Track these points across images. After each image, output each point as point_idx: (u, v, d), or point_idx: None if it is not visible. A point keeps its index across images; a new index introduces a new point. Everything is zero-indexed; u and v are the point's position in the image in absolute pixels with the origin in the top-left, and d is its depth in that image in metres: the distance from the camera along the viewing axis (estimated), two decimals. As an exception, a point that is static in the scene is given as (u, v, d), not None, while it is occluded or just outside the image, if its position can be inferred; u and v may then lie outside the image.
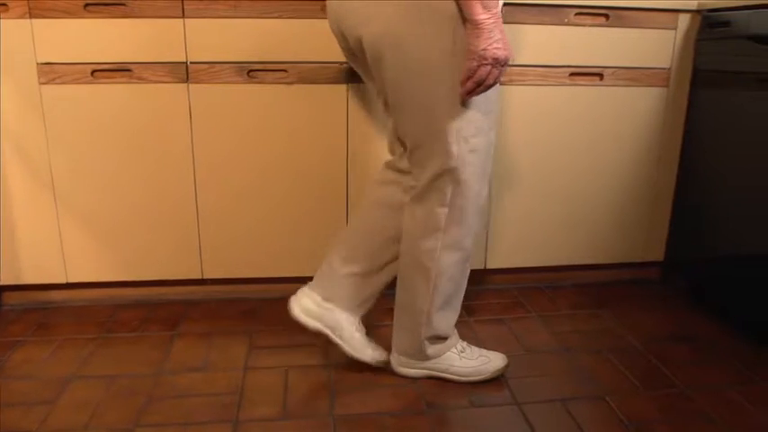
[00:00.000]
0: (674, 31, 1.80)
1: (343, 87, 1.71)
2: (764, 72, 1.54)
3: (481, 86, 1.15)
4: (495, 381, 1.44)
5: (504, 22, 1.70)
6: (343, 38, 1.31)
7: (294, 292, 1.88)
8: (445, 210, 1.29)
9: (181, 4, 1.60)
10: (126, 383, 1.42)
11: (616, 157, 1.88)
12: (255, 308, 1.82)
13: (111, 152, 1.69)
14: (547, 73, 1.77)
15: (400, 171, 1.39)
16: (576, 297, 1.88)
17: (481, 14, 1.08)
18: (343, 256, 1.43)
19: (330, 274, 1.43)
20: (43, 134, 1.66)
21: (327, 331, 1.42)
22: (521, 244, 1.91)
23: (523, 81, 1.77)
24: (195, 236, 1.78)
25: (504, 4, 1.68)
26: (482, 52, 1.11)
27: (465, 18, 1.11)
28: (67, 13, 1.58)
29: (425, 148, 1.27)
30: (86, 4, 1.58)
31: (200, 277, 1.82)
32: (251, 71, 1.68)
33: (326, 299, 1.43)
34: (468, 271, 1.40)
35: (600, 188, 1.90)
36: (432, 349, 1.41)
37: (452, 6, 1.13)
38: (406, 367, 1.45)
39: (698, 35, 1.78)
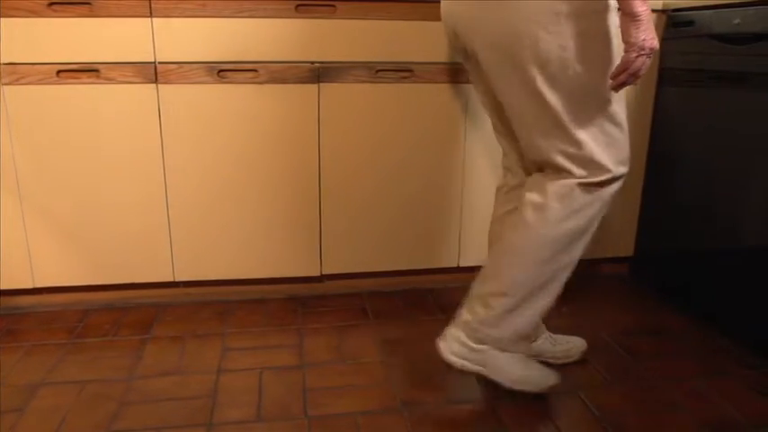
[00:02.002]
0: (640, 31, 1.83)
1: (314, 87, 1.70)
2: (727, 70, 1.58)
3: (632, 77, 1.15)
4: (469, 378, 1.45)
5: None
6: (456, 39, 1.32)
7: (267, 293, 1.88)
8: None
9: (148, 4, 1.58)
10: (97, 389, 1.40)
11: (586, 155, 1.91)
12: (228, 310, 1.80)
13: (78, 154, 1.66)
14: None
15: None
16: (549, 293, 1.91)
17: (640, 7, 1.10)
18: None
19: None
20: (7, 136, 1.62)
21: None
22: (493, 241, 1.93)
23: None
24: (166, 238, 1.76)
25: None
26: (642, 43, 1.12)
27: (622, 10, 1.12)
28: (31, 12, 1.55)
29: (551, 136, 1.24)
30: (50, 3, 1.55)
31: (171, 280, 1.80)
32: (221, 71, 1.66)
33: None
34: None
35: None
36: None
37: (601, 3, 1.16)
38: (456, 356, 1.33)
39: (663, 34, 1.82)
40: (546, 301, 1.31)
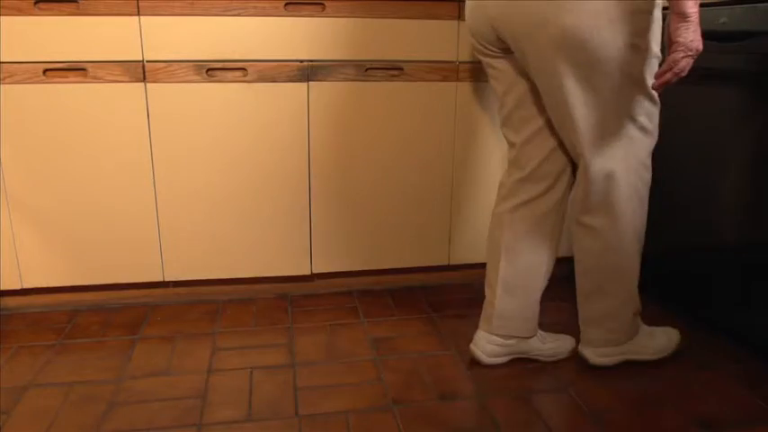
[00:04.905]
0: (628, 29, 1.84)
1: (303, 86, 1.70)
2: (714, 68, 1.59)
3: (676, 76, 1.19)
4: (460, 376, 1.46)
5: (454, 19, 1.72)
6: (495, 39, 1.33)
7: (257, 292, 1.88)
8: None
9: (136, 2, 1.57)
10: (85, 390, 1.39)
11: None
12: (218, 309, 1.80)
13: (65, 154, 1.65)
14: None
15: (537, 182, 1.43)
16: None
17: (692, 8, 1.13)
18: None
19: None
20: (-7, 136, 1.61)
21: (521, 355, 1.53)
22: (483, 238, 1.93)
23: (480, 78, 1.79)
24: (155, 238, 1.75)
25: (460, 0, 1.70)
26: (690, 44, 1.15)
27: (673, 10, 1.15)
28: (17, 11, 1.53)
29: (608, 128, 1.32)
30: (37, 1, 1.54)
31: (161, 280, 1.79)
32: (209, 70, 1.65)
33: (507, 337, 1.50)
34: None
35: (559, 183, 1.94)
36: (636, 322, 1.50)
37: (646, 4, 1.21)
38: (605, 357, 1.49)
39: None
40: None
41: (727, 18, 1.54)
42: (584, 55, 1.22)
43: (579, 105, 1.28)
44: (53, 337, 1.63)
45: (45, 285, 1.74)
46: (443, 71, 1.76)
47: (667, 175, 1.79)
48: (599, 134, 1.31)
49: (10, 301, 1.76)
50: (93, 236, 1.72)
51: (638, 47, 1.24)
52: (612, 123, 1.30)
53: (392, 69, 1.74)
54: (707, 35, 1.59)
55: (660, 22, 1.26)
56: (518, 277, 1.46)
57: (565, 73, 1.25)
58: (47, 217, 1.69)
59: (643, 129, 1.34)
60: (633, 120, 1.31)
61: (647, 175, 1.39)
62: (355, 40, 1.70)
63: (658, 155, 1.82)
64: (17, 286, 1.73)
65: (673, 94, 1.76)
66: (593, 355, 1.48)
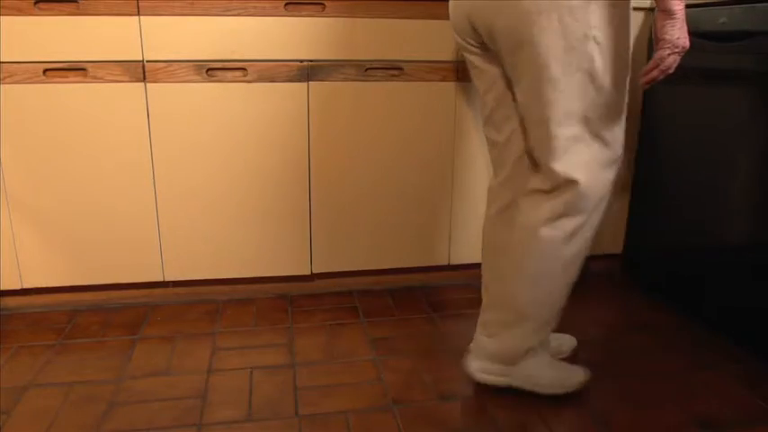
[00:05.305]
0: (628, 29, 1.84)
1: (303, 86, 1.70)
2: (713, 68, 1.60)
3: (663, 74, 1.17)
4: (460, 376, 1.45)
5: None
6: (472, 33, 1.31)
7: (257, 292, 1.88)
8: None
9: (136, 2, 1.57)
10: (85, 390, 1.39)
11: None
12: (218, 309, 1.80)
13: (65, 154, 1.65)
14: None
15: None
16: (538, 290, 1.91)
17: (678, 5, 1.12)
18: None
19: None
20: (-7, 136, 1.61)
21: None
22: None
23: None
24: (155, 237, 1.75)
25: None
26: (676, 41, 1.14)
27: (659, 7, 1.13)
28: (18, 11, 1.53)
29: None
30: (37, 1, 1.54)
31: (161, 279, 1.79)
32: (209, 70, 1.65)
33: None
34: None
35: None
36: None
37: None
38: (489, 374, 1.40)
39: (651, 32, 1.83)
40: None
41: (726, 18, 1.54)
42: (545, 47, 1.18)
43: (539, 99, 1.22)
44: (53, 337, 1.63)
45: (45, 285, 1.74)
46: (443, 71, 1.76)
47: (667, 175, 1.80)
48: (558, 134, 1.23)
49: (10, 301, 1.76)
50: (93, 236, 1.72)
51: (597, 40, 1.17)
52: (570, 124, 1.22)
53: (392, 69, 1.74)
54: (707, 35, 1.60)
55: (630, 23, 1.22)
56: None
57: (526, 68, 1.22)
58: (47, 217, 1.69)
59: (599, 137, 1.25)
60: (590, 125, 1.23)
61: (605, 189, 1.30)
62: (355, 40, 1.70)
63: (658, 154, 1.83)
64: (17, 286, 1.73)
65: (672, 94, 1.76)
66: (477, 369, 1.40)
